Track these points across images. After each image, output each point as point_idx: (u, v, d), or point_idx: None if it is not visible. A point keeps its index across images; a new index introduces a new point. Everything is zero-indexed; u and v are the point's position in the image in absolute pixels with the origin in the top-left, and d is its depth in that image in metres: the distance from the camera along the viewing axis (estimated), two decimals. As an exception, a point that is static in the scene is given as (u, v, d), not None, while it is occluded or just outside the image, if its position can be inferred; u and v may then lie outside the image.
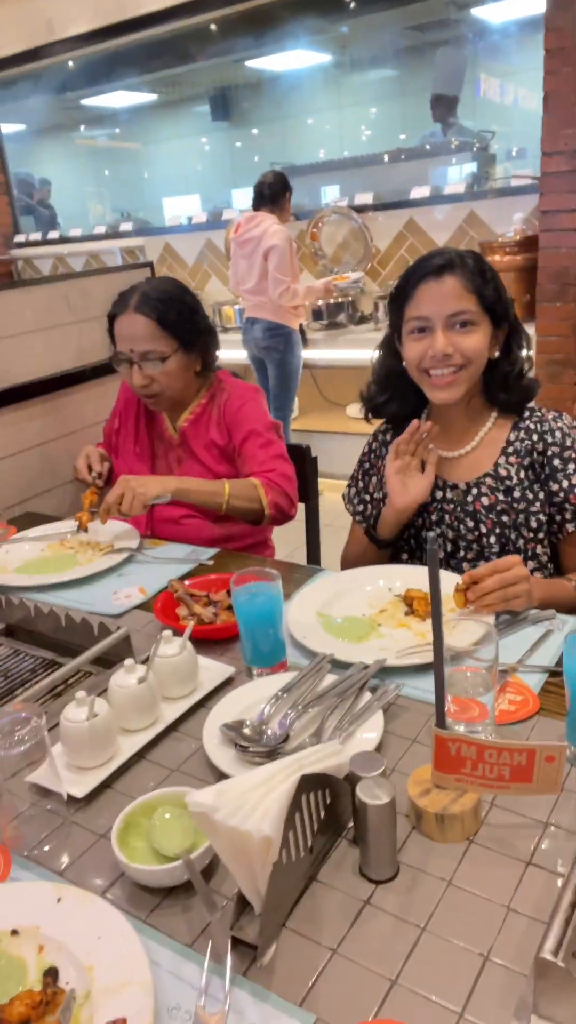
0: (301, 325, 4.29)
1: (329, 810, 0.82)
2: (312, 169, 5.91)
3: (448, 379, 1.36)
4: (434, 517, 1.47)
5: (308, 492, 2.00)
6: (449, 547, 1.46)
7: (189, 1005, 0.68)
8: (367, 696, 1.04)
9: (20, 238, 6.43)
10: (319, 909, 0.76)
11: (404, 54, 6.67)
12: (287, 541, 2.24)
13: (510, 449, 1.43)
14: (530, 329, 3.75)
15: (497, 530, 1.42)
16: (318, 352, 4.50)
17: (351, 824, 0.85)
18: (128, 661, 1.04)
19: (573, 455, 1.39)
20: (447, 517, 1.46)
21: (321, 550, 2.08)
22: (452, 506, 1.45)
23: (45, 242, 6.31)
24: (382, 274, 4.82)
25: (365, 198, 4.79)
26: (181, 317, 1.70)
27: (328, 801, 0.82)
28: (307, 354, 4.40)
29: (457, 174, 5.31)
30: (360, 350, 4.38)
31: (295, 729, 0.98)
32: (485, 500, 1.43)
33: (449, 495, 1.46)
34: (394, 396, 1.51)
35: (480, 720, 0.94)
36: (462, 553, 1.45)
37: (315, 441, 3.56)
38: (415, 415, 1.49)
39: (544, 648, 1.15)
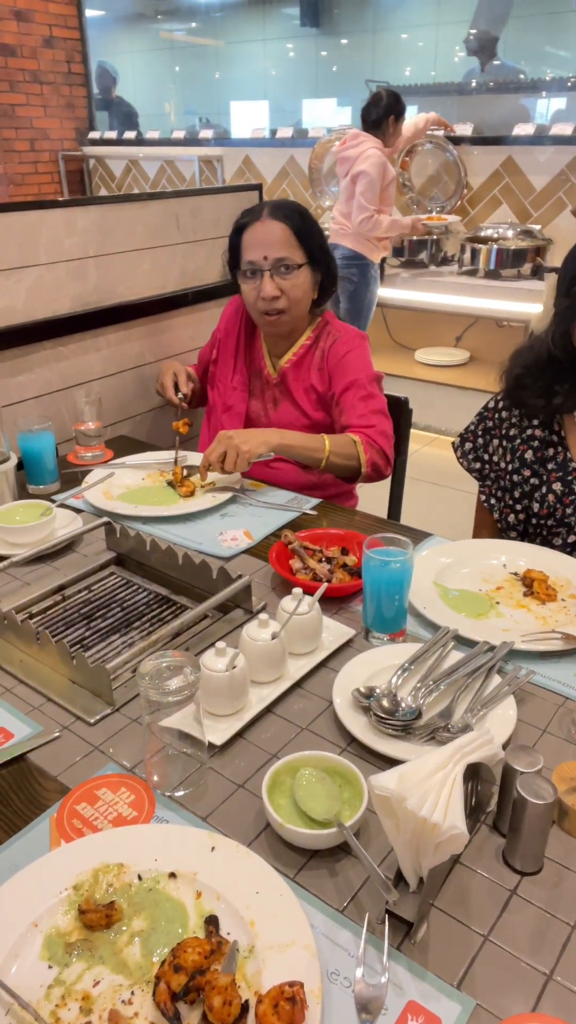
0: (384, 259, 4.14)
1: (476, 796, 0.83)
2: (408, 92, 5.59)
3: None
4: (569, 510, 1.41)
5: (400, 446, 1.96)
6: (572, 539, 1.41)
7: (347, 972, 0.70)
8: (496, 679, 1.04)
9: (95, 135, 6.21)
10: (466, 893, 0.77)
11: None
12: (368, 493, 2.22)
13: None
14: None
15: None
16: (393, 291, 4.36)
17: (490, 809, 0.86)
18: (262, 615, 1.05)
19: None
20: None
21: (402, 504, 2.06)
22: None
23: (120, 142, 6.09)
24: (471, 213, 4.62)
25: (464, 129, 4.54)
26: (312, 232, 1.70)
27: (478, 788, 0.83)
28: (381, 291, 4.26)
29: (561, 113, 5.02)
30: (438, 294, 4.23)
31: (425, 705, 0.99)
32: None
33: None
34: (547, 391, 1.40)
35: (622, 722, 0.93)
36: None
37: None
38: (549, 415, 1.43)
39: None
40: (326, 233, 3.97)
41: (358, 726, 0.96)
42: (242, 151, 5.47)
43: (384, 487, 2.03)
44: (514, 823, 0.78)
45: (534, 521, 1.47)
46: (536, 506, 1.44)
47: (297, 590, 1.10)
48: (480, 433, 1.55)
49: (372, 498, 2.08)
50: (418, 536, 1.44)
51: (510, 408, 1.48)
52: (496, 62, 5.42)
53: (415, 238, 4.34)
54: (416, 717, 0.96)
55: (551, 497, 1.42)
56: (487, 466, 1.53)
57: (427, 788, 0.69)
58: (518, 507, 1.49)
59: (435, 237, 4.41)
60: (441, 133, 4.45)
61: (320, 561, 1.31)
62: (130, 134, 6.10)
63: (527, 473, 1.45)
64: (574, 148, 4.18)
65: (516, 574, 1.31)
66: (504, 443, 1.50)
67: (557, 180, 4.26)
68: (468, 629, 1.14)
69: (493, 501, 1.49)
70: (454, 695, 1.00)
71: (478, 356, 4.70)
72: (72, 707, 1.01)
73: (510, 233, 4.04)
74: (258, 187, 2.23)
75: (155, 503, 1.57)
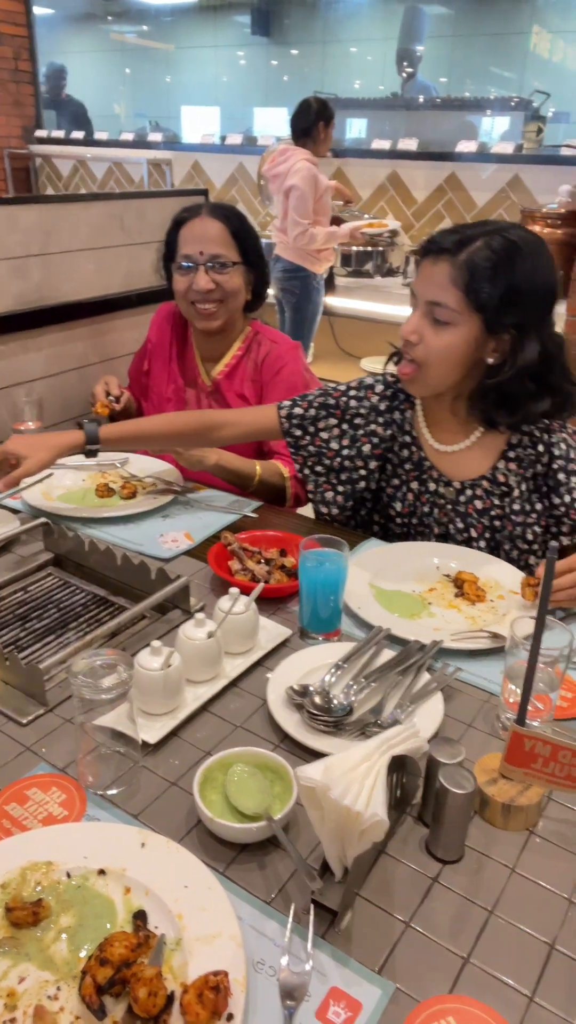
0: (331, 270, 4.19)
1: (401, 788, 0.86)
2: (356, 105, 5.69)
3: (407, 372, 1.35)
4: (426, 509, 1.45)
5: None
6: (435, 541, 1.45)
7: (272, 961, 0.72)
8: (425, 676, 1.07)
9: (42, 133, 6.13)
10: (390, 881, 0.80)
11: (462, -8, 6.39)
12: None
13: (511, 454, 1.39)
14: (561, 308, 3.73)
15: (488, 535, 1.41)
16: (340, 300, 4.42)
17: (415, 801, 0.88)
18: (198, 615, 1.06)
19: (574, 467, 1.36)
20: (437, 512, 1.44)
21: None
22: (443, 502, 1.43)
23: (68, 141, 6.03)
24: (416, 227, 4.72)
25: (409, 144, 4.64)
26: (248, 234, 1.74)
27: (403, 780, 0.85)
28: (329, 300, 4.32)
29: (505, 132, 5.17)
30: (383, 304, 4.31)
31: (357, 702, 1.01)
32: (479, 504, 1.40)
33: (441, 490, 1.43)
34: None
35: (543, 715, 0.97)
36: None
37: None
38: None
39: (590, 647, 1.19)
40: (272, 242, 4.03)
41: (291, 723, 0.98)
42: (192, 156, 5.48)
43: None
44: (436, 813, 0.81)
45: (398, 520, 1.49)
46: (398, 505, 1.47)
47: (234, 590, 1.11)
48: (317, 406, 1.48)
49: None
50: (356, 538, 1.47)
51: (361, 400, 1.48)
52: (415, 79, 5.58)
53: (359, 248, 4.41)
54: (348, 713, 0.99)
55: (410, 496, 1.46)
56: (309, 437, 1.48)
57: (351, 779, 0.71)
58: (340, 488, 1.49)
59: (381, 249, 4.49)
60: (340, 203, 4.37)
61: (259, 562, 1.33)
62: (79, 134, 6.04)
63: (360, 463, 1.46)
64: (515, 167, 4.31)
65: (448, 576, 1.35)
66: (344, 427, 1.47)
67: (498, 197, 4.39)
68: (401, 629, 1.17)
69: (307, 471, 1.49)
70: (385, 692, 1.03)
71: (422, 365, 4.78)
72: (4, 708, 1.01)
73: (453, 247, 4.13)
74: (204, 192, 2.25)
75: (95, 504, 1.57)
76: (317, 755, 0.93)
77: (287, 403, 1.51)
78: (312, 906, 0.75)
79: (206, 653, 1.04)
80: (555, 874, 0.81)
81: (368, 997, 0.68)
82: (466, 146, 4.43)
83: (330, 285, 4.26)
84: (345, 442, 1.47)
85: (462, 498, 1.42)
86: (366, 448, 1.46)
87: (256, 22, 7.34)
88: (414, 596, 1.30)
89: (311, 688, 1.02)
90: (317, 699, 0.99)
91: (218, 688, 1.05)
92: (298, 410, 1.49)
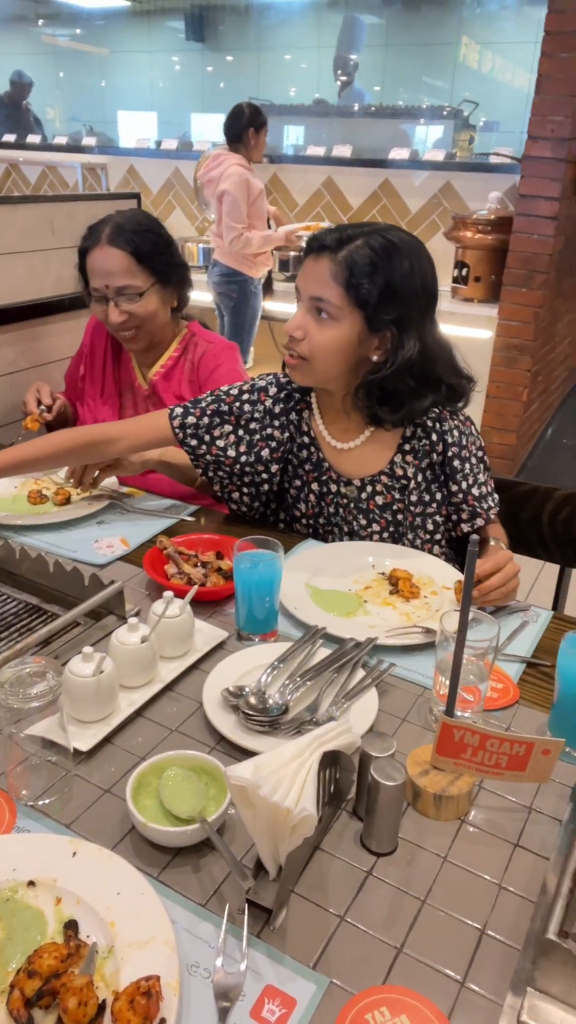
0: (270, 274, 4.21)
1: (335, 784, 0.86)
2: (291, 112, 5.74)
3: (292, 362, 1.36)
4: (331, 509, 1.47)
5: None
6: (345, 540, 1.48)
7: (207, 963, 0.71)
8: (360, 673, 1.08)
9: (-29, 136, 5.99)
10: (325, 877, 0.80)
11: (395, 3, 6.51)
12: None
13: (407, 447, 1.42)
14: (492, 311, 3.82)
15: (391, 528, 1.44)
16: (278, 304, 4.45)
17: (350, 796, 0.89)
18: (132, 620, 1.05)
19: (467, 454, 1.40)
20: (342, 511, 1.46)
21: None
22: (346, 501, 1.45)
23: (-1, 144, 5.92)
24: (352, 233, 4.77)
25: (343, 151, 4.70)
26: (157, 250, 1.66)
27: (337, 776, 0.86)
28: (267, 304, 4.34)
29: (437, 141, 5.28)
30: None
31: (292, 700, 1.02)
32: (380, 499, 1.43)
33: (343, 490, 1.45)
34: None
35: (473, 707, 0.99)
36: None
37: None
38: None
39: (521, 638, 1.22)
40: (211, 246, 4.01)
41: (227, 725, 0.98)
42: (127, 160, 5.43)
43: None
44: (369, 806, 0.82)
45: (303, 520, 1.50)
46: (303, 506, 1.49)
47: (168, 593, 1.11)
48: (210, 414, 1.46)
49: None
50: (293, 540, 1.48)
51: (255, 403, 1.47)
52: (352, 87, 5.68)
53: (296, 254, 4.44)
54: (283, 712, 0.99)
55: (312, 497, 1.47)
56: (205, 447, 1.46)
57: (281, 776, 0.71)
58: (244, 489, 1.50)
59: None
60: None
61: (195, 566, 1.32)
62: (10, 137, 5.93)
63: (260, 468, 1.46)
64: (447, 174, 4.41)
65: (384, 574, 1.36)
66: (240, 433, 1.46)
67: (431, 203, 4.48)
68: (337, 627, 1.18)
69: (211, 475, 1.49)
70: (320, 690, 1.03)
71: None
72: None
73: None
74: (136, 196, 2.23)
75: (28, 511, 1.54)
76: (253, 755, 0.93)
77: (179, 411, 1.47)
78: (247, 906, 0.75)
79: (140, 658, 1.03)
80: (486, 861, 0.83)
81: (303, 993, 0.69)
82: (399, 153, 4.51)
83: (268, 289, 4.27)
84: (242, 448, 1.46)
85: (363, 495, 1.43)
86: (265, 453, 1.46)
87: (190, 28, 7.33)
88: (350, 595, 1.31)
89: (247, 689, 1.02)
90: (252, 699, 0.99)
91: (153, 692, 1.04)
92: (191, 419, 1.45)
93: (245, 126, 3.82)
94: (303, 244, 4.43)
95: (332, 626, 1.18)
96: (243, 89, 6.52)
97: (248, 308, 4.09)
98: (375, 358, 1.33)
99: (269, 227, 4.08)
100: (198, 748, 0.95)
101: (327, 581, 1.34)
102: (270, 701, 1.00)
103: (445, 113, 5.40)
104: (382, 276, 1.26)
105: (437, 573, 1.35)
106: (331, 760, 0.83)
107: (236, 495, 1.52)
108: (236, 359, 1.82)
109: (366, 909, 0.77)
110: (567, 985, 0.67)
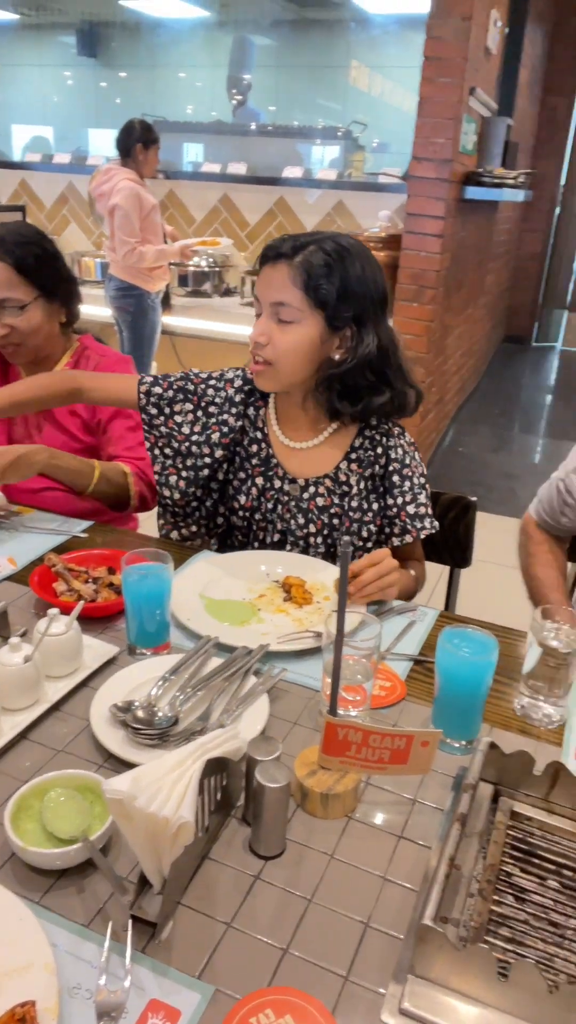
0: (168, 288, 4.20)
1: (223, 791, 0.86)
2: (187, 129, 5.77)
3: (258, 367, 1.38)
4: (270, 505, 1.49)
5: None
6: (277, 538, 1.50)
7: (89, 984, 0.70)
8: (252, 680, 1.08)
9: None
10: (213, 885, 0.80)
11: (284, 26, 6.65)
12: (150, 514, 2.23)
13: (353, 455, 1.47)
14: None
15: (326, 531, 1.47)
16: (178, 319, 4.44)
17: (239, 803, 0.89)
18: (13, 639, 1.02)
19: (409, 473, 1.47)
20: (280, 508, 1.48)
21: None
22: (287, 499, 1.48)
23: None
24: (250, 248, 4.83)
25: (238, 168, 4.76)
26: (40, 263, 1.64)
27: (224, 783, 0.86)
28: (168, 320, 4.33)
29: (330, 160, 5.41)
30: (223, 323, 4.37)
31: (183, 711, 1.01)
32: (320, 501, 1.46)
33: (287, 487, 1.48)
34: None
35: (360, 705, 1.01)
36: (288, 548, 1.49)
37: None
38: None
39: (408, 637, 1.26)
40: (98, 260, 3.96)
41: (115, 741, 0.96)
42: (18, 174, 5.32)
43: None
44: (256, 810, 0.82)
45: (240, 513, 1.52)
46: (242, 498, 1.50)
47: (53, 610, 1.08)
48: (176, 389, 1.50)
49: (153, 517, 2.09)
50: (187, 552, 1.48)
51: (219, 390, 1.51)
52: (246, 106, 5.79)
53: (195, 269, 4.46)
54: (173, 724, 0.98)
55: (254, 491, 1.50)
56: (163, 418, 1.49)
57: (160, 786, 0.71)
58: (183, 473, 1.51)
59: (217, 269, 4.56)
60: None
61: (86, 582, 1.30)
62: None
63: (206, 451, 1.48)
64: (339, 193, 4.53)
65: (277, 582, 1.38)
66: (198, 413, 1.50)
67: (325, 220, 4.58)
68: (230, 636, 1.19)
69: (156, 451, 1.51)
70: (212, 699, 1.03)
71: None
72: None
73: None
74: (20, 208, 2.19)
75: None
76: (141, 769, 0.92)
77: (149, 379, 1.52)
78: (131, 921, 0.74)
79: (22, 679, 1.00)
80: (371, 854, 0.85)
81: (187, 1004, 0.68)
82: (293, 172, 4.60)
83: (166, 304, 4.26)
84: (196, 428, 1.49)
85: (305, 495, 1.46)
86: (215, 436, 1.49)
87: (81, 43, 7.28)
88: (244, 604, 1.31)
89: (136, 703, 1.01)
90: (140, 713, 0.98)
91: (38, 713, 1.01)
92: (158, 389, 1.50)
93: (135, 142, 3.82)
94: (199, 259, 4.46)
95: (225, 635, 1.18)
96: (139, 105, 6.50)
97: (146, 322, 4.06)
98: (337, 356, 1.38)
99: (165, 243, 4.07)
100: (85, 767, 0.93)
101: (221, 591, 1.34)
102: (159, 714, 0.99)
103: (339, 134, 5.54)
104: (338, 276, 1.32)
105: (331, 579, 1.37)
106: (218, 767, 0.83)
107: (173, 478, 1.51)
108: (130, 372, 1.80)
109: (253, 913, 0.77)
110: (445, 969, 0.69)
